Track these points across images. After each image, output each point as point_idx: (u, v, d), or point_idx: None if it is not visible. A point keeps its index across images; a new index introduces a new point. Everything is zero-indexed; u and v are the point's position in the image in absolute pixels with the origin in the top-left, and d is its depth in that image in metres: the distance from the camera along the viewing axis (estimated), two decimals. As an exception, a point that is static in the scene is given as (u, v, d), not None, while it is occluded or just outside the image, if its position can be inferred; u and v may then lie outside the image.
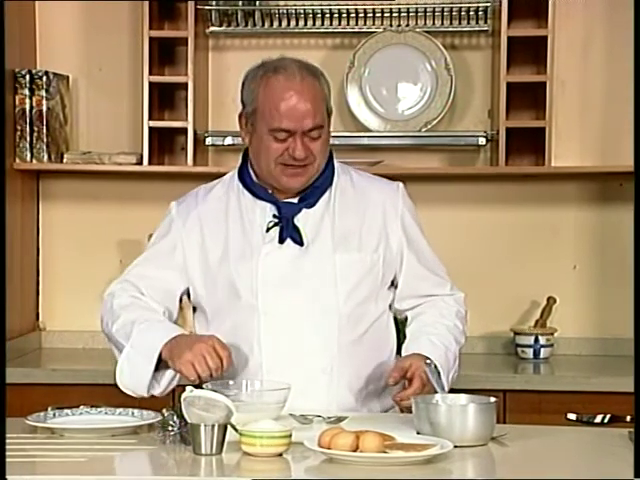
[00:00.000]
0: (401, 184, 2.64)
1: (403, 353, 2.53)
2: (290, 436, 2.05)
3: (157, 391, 2.44)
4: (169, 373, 2.42)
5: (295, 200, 2.54)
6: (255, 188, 2.56)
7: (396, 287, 2.62)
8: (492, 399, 2.21)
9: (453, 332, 2.58)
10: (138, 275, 2.60)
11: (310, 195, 2.54)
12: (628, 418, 3.22)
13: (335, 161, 2.61)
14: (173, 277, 2.58)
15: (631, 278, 3.79)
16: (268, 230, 2.52)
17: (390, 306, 2.64)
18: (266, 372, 2.47)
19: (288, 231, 2.51)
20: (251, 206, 2.55)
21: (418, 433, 2.17)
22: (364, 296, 2.54)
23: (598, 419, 3.20)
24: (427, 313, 2.61)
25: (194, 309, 2.65)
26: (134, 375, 2.43)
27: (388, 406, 2.56)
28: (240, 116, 2.54)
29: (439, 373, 2.42)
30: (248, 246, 2.52)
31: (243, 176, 2.58)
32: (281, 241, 2.51)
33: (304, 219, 2.53)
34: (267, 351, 2.49)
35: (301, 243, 2.51)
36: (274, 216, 2.53)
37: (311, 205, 2.54)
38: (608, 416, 3.22)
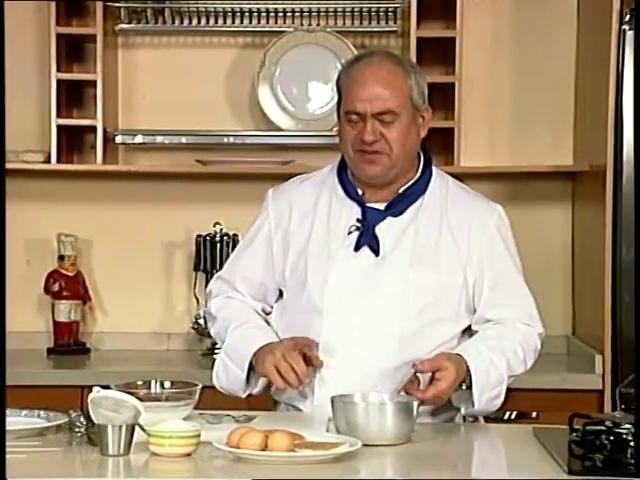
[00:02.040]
0: (499, 207, 2.54)
1: None
2: (199, 436, 2.04)
3: (255, 391, 2.47)
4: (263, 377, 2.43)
5: (382, 207, 2.47)
6: (348, 185, 2.50)
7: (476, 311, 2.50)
8: (413, 399, 2.21)
9: (508, 355, 2.42)
10: (231, 271, 2.61)
11: (398, 203, 2.47)
12: (534, 414, 3.30)
13: (435, 171, 2.54)
14: (265, 267, 2.55)
15: (539, 276, 3.84)
16: (350, 233, 2.46)
17: (469, 329, 2.50)
18: (318, 378, 2.43)
19: (367, 239, 2.43)
20: (340, 203, 2.50)
21: (327, 431, 2.18)
22: (434, 318, 2.43)
23: (505, 416, 3.26)
24: (491, 329, 2.46)
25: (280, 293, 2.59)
26: (229, 380, 2.47)
27: (442, 420, 2.47)
28: (337, 103, 2.52)
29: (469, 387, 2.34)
30: (326, 246, 2.47)
31: (340, 170, 2.53)
32: (357, 248, 2.44)
33: (387, 228, 2.45)
34: (324, 357, 2.42)
35: (377, 253, 2.43)
36: (357, 220, 2.47)
37: (397, 214, 2.46)
38: (515, 413, 3.29)
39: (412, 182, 2.49)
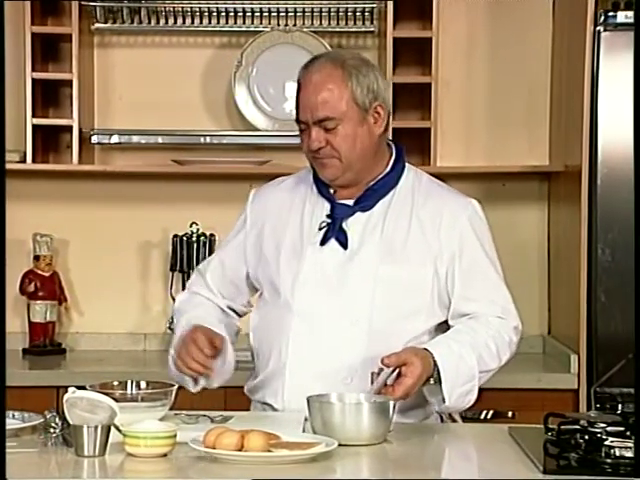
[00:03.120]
0: (474, 201, 2.53)
1: None
2: (175, 436, 2.04)
3: (204, 385, 2.46)
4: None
5: (351, 202, 2.48)
6: (320, 184, 2.51)
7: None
8: (389, 398, 2.21)
9: (479, 349, 2.39)
10: (205, 265, 2.68)
11: (366, 198, 2.48)
12: (510, 413, 3.31)
13: (408, 166, 2.54)
14: (236, 266, 2.59)
15: (514, 276, 3.86)
16: (320, 229, 2.47)
17: (445, 324, 2.48)
18: (288, 373, 2.44)
19: (333, 233, 2.44)
20: (314, 201, 2.52)
21: (303, 431, 2.18)
22: (405, 312, 2.43)
23: (482, 415, 3.28)
24: (463, 324, 2.45)
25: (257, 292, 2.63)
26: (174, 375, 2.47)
27: (419, 419, 2.47)
28: None
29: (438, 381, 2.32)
30: (299, 242, 2.49)
31: (315, 170, 2.53)
32: (323, 242, 2.45)
33: (356, 222, 2.46)
34: (293, 353, 2.44)
35: (345, 246, 2.44)
36: (327, 216, 2.48)
37: (366, 209, 2.47)
38: (491, 412, 3.30)
39: (381, 177, 2.50)
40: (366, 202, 2.48)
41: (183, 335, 2.43)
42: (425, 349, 2.34)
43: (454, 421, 2.53)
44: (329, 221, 2.47)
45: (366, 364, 2.38)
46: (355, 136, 2.43)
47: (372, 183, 2.49)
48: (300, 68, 2.50)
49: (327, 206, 2.50)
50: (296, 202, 2.54)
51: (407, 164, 2.56)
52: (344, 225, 2.47)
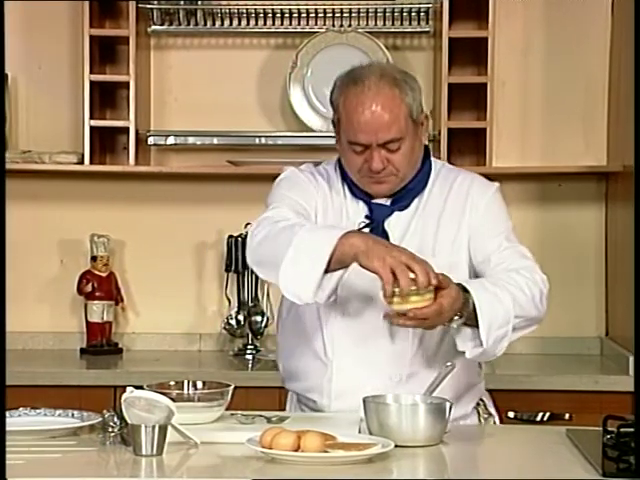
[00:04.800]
0: (497, 184, 2.54)
1: None
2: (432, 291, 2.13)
3: (322, 296, 2.23)
4: (336, 276, 2.23)
5: (388, 202, 2.48)
6: (352, 185, 2.49)
7: None
8: (445, 400, 2.19)
9: (514, 292, 2.34)
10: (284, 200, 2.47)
11: (403, 198, 2.47)
12: (567, 416, 3.27)
13: (434, 161, 2.54)
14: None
15: (572, 277, 3.83)
16: (360, 230, 2.44)
17: None
18: (335, 370, 2.44)
19: (378, 234, 2.41)
20: (348, 201, 2.50)
21: (359, 432, 2.18)
22: None
23: (538, 417, 3.25)
24: (495, 272, 2.41)
25: None
26: (299, 279, 2.22)
27: (457, 416, 2.41)
28: (332, 119, 2.50)
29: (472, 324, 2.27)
30: None
31: (343, 170, 2.51)
32: None
33: (395, 222, 2.47)
34: (339, 350, 2.44)
35: None
36: (366, 217, 2.47)
37: (403, 208, 2.47)
38: (547, 414, 3.27)
39: (415, 174, 2.49)
40: (403, 201, 2.48)
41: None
42: (458, 284, 2.29)
43: (490, 415, 2.51)
44: (367, 222, 2.47)
45: (411, 358, 2.40)
46: (412, 151, 2.43)
47: (407, 182, 2.49)
48: (339, 86, 2.43)
49: (362, 206, 2.49)
50: (335, 199, 2.51)
51: (431, 158, 2.56)
52: (385, 226, 2.46)
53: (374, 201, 2.48)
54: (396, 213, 2.48)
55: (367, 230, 2.44)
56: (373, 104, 2.37)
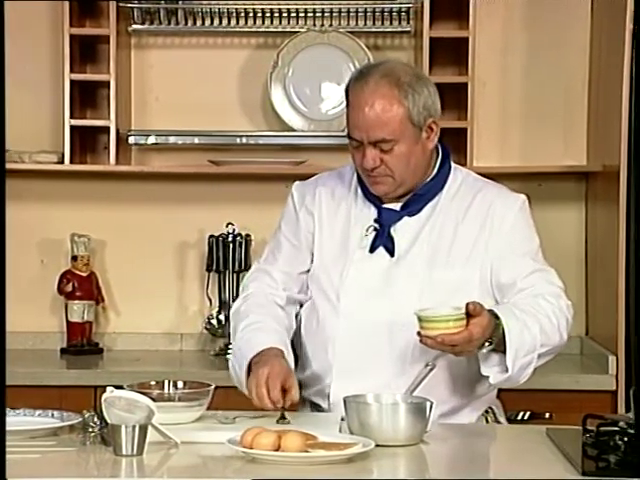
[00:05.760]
0: (523, 196, 2.51)
1: None
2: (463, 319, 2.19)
3: None
4: None
5: (398, 207, 2.47)
6: (365, 187, 2.49)
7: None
8: (426, 399, 2.19)
9: (541, 320, 2.33)
10: (267, 262, 2.57)
11: (413, 203, 2.46)
12: (547, 415, 3.29)
13: (454, 167, 2.52)
14: (302, 258, 2.53)
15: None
16: (367, 234, 2.46)
17: None
18: (335, 375, 2.44)
19: (382, 240, 2.43)
20: (360, 205, 2.50)
21: (340, 431, 2.18)
22: None
23: (519, 416, 3.26)
24: (521, 298, 2.38)
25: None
26: (237, 379, 2.43)
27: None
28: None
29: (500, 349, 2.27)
30: (347, 245, 2.47)
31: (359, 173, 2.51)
32: (372, 250, 2.45)
33: (403, 228, 2.45)
34: (340, 355, 2.43)
35: (392, 254, 2.43)
36: (375, 220, 2.47)
37: (413, 213, 2.46)
38: (528, 413, 3.28)
39: (428, 180, 2.48)
40: (413, 207, 2.46)
41: (258, 365, 2.33)
42: (490, 310, 2.28)
43: (499, 423, 2.52)
44: (376, 226, 2.46)
45: (412, 367, 2.38)
46: (410, 155, 2.40)
47: (419, 187, 2.47)
48: (350, 80, 2.44)
49: (373, 210, 2.48)
50: (342, 205, 2.52)
51: (453, 164, 2.53)
52: (392, 231, 2.45)
53: (384, 206, 2.47)
54: (405, 219, 2.46)
55: (373, 234, 2.44)
56: (369, 101, 2.36)
